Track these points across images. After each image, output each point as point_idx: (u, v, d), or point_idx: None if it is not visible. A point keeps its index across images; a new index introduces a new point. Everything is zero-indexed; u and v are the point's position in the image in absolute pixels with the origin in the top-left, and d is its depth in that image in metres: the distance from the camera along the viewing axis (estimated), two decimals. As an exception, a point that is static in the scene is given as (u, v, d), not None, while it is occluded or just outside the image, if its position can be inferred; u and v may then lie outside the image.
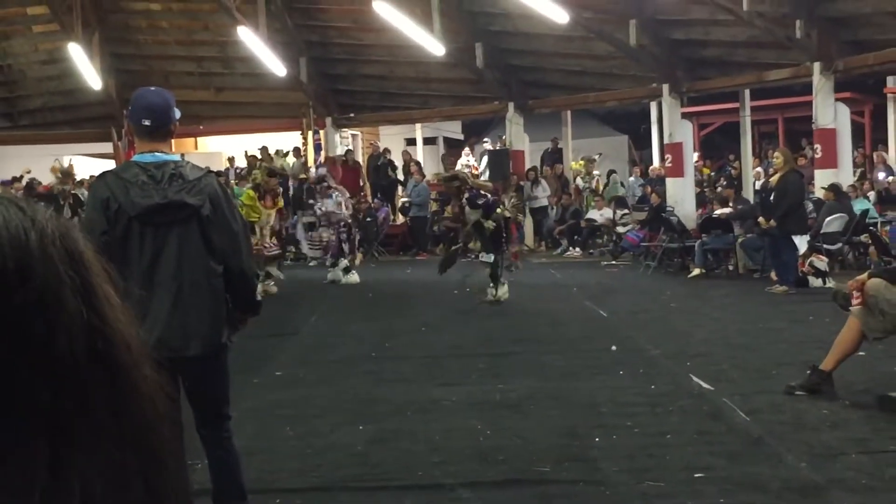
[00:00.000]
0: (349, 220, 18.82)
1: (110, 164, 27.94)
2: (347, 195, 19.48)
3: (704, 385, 8.75)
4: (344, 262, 18.63)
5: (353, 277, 18.48)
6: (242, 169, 27.07)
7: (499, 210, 15.28)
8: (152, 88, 5.26)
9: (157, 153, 4.88)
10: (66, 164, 19.11)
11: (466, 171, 24.41)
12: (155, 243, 4.79)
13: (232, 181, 24.64)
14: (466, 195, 15.30)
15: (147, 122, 4.88)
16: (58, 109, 29.46)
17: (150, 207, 4.74)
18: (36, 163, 26.90)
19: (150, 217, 4.77)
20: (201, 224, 4.83)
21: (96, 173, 24.72)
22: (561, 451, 6.81)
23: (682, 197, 22.89)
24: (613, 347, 10.84)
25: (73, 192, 17.63)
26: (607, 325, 12.91)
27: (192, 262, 4.84)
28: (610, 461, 6.54)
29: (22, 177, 25.75)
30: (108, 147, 28.63)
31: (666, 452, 6.71)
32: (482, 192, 15.48)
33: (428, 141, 33.84)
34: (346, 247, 18.84)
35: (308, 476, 6.48)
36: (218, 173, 25.30)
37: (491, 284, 15.06)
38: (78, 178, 25.14)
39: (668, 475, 6.21)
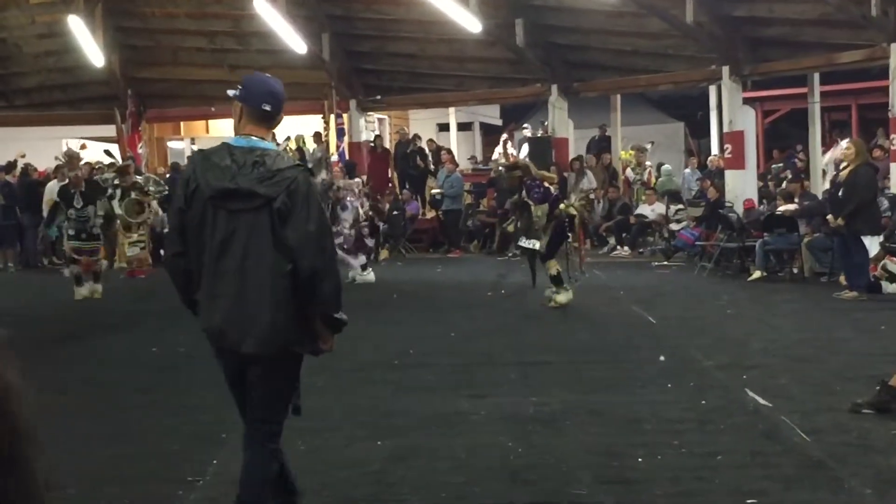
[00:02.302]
0: (369, 215, 18.86)
1: (113, 149, 28.11)
2: (356, 190, 19.42)
3: (761, 401, 8.72)
4: (362, 259, 18.76)
5: (370, 276, 18.63)
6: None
7: (563, 206, 15.20)
8: (267, 75, 5.60)
9: (252, 138, 5.22)
10: (75, 148, 19.07)
11: (503, 160, 24.42)
12: (226, 229, 5.07)
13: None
14: (526, 186, 15.16)
15: (268, 108, 5.26)
16: (56, 88, 29.63)
17: (220, 191, 5.05)
18: (32, 146, 27.09)
19: (222, 201, 5.07)
20: (272, 217, 5.01)
21: (104, 158, 24.58)
22: (599, 471, 6.81)
23: (742, 191, 22.77)
24: (661, 357, 10.82)
25: (84, 178, 17.58)
26: (655, 332, 12.88)
27: (257, 256, 5.04)
28: (653, 484, 6.54)
29: (16, 162, 25.91)
30: (110, 130, 28.78)
31: (716, 475, 6.69)
32: (546, 183, 15.35)
33: (462, 126, 33.85)
34: (369, 242, 18.92)
35: (320, 495, 6.50)
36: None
37: (553, 288, 15.00)
38: (88, 161, 25.32)
39: (717, 500, 6.21)
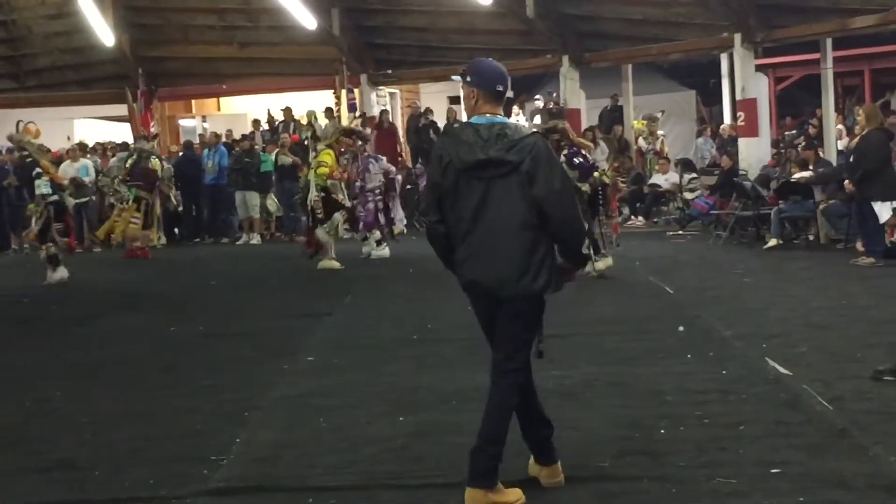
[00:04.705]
0: (384, 188, 18.89)
1: (125, 129, 28.13)
2: (384, 159, 19.64)
3: (782, 370, 8.70)
4: (377, 234, 18.75)
5: (384, 251, 18.63)
6: (268, 132, 27.08)
7: (596, 174, 15.10)
8: (490, 59, 6.26)
9: (491, 115, 5.95)
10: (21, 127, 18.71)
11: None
12: (479, 194, 5.85)
13: (258, 146, 24.68)
14: (565, 152, 15.02)
15: (501, 88, 5.98)
16: (67, 69, 29.64)
17: (473, 163, 5.82)
18: (44, 127, 26.96)
19: (474, 171, 5.83)
20: (520, 179, 5.77)
21: (115, 139, 24.72)
22: (622, 444, 6.80)
23: (756, 159, 22.71)
24: (680, 328, 10.80)
25: (21, 160, 17.36)
26: (673, 302, 12.87)
27: (509, 213, 5.82)
28: (677, 455, 6.52)
29: (27, 144, 25.87)
30: (122, 109, 28.77)
31: (739, 445, 6.67)
32: (582, 150, 15.25)
33: (473, 99, 33.68)
34: (382, 217, 18.89)
35: (343, 472, 6.50)
36: (244, 137, 25.45)
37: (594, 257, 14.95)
38: (88, 144, 25.36)
39: (742, 470, 6.19)
